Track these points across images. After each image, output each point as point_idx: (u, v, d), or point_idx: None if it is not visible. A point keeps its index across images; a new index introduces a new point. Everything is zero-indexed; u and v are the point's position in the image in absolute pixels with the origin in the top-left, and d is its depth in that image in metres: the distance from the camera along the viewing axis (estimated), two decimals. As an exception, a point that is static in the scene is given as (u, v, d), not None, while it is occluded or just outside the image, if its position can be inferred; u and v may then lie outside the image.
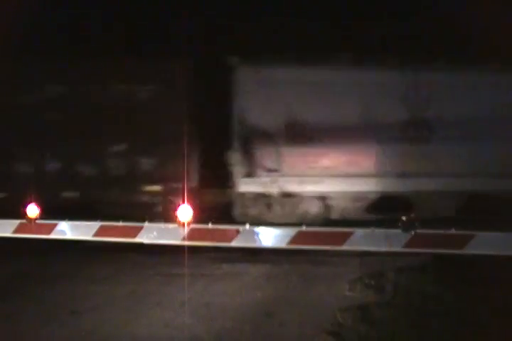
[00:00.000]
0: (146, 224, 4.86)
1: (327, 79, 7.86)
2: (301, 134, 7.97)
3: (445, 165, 7.77)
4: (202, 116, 8.03)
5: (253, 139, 7.96)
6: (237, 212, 7.83)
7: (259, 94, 7.84)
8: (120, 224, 4.88)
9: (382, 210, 7.94)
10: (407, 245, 4.32)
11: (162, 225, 4.97)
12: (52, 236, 5.02)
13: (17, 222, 5.05)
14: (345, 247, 4.49)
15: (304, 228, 4.54)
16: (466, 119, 7.73)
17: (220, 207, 7.76)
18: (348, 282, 5.61)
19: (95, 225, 4.91)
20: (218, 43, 8.62)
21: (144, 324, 4.56)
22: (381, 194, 8.00)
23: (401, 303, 4.90)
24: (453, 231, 4.27)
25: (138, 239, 4.88)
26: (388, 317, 4.54)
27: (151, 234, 4.87)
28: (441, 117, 7.85)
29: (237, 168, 7.94)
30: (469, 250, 4.21)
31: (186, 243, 4.82)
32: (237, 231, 4.63)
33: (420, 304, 4.83)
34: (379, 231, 4.42)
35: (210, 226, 4.71)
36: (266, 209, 7.93)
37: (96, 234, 4.91)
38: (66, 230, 5.01)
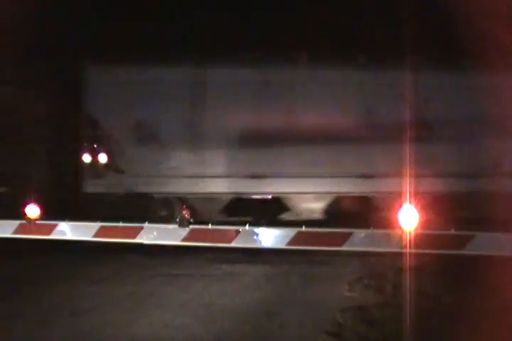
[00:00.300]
0: (146, 224, 4.86)
1: (173, 80, 7.84)
2: (147, 135, 7.97)
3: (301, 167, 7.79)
4: (53, 116, 7.97)
5: (101, 140, 7.95)
6: (84, 212, 7.59)
7: (107, 94, 7.84)
8: (120, 224, 4.89)
9: (234, 211, 7.96)
10: (407, 245, 4.32)
11: (162, 226, 4.98)
12: (52, 236, 5.02)
13: (17, 222, 5.06)
14: (344, 248, 4.50)
15: (303, 228, 4.55)
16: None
17: (68, 208, 7.55)
18: (347, 282, 5.61)
19: (95, 226, 4.91)
20: (68, 42, 8.47)
21: (143, 324, 4.55)
22: (233, 195, 7.99)
23: (401, 304, 4.90)
24: (453, 231, 4.28)
25: (138, 240, 4.89)
26: (388, 317, 4.53)
27: (150, 235, 4.88)
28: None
29: (85, 169, 7.91)
30: (469, 250, 4.22)
31: (186, 243, 4.83)
32: (237, 232, 4.64)
33: (420, 304, 4.82)
34: (378, 232, 4.43)
35: (210, 226, 4.72)
36: (112, 210, 7.77)
37: (96, 235, 4.92)
38: (66, 231, 5.01)
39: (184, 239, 4.77)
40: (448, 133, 7.77)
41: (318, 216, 7.98)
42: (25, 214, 5.00)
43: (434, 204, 7.46)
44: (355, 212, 7.76)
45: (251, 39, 8.40)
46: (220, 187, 7.99)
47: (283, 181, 7.90)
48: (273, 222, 7.09)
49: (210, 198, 8.01)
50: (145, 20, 9.13)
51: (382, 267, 5.80)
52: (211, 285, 5.70)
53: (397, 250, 4.37)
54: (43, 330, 4.41)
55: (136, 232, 4.85)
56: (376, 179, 7.72)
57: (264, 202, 8.07)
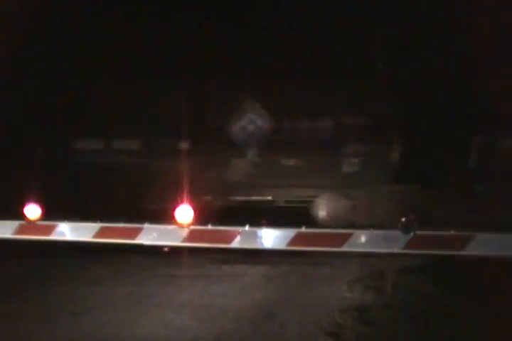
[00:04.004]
0: (146, 225, 4.87)
1: None
2: None
3: None
4: None
5: None
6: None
7: None
8: (120, 225, 4.90)
9: None
10: (407, 246, 4.33)
11: (162, 226, 4.99)
12: (52, 237, 5.03)
13: (17, 222, 5.07)
14: (344, 248, 4.51)
15: (303, 229, 4.55)
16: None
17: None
18: (347, 283, 5.61)
19: (95, 226, 4.92)
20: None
21: (143, 325, 4.56)
22: None
23: (400, 304, 4.91)
24: (452, 232, 4.29)
25: (138, 241, 4.90)
26: (387, 318, 4.54)
27: (150, 236, 4.89)
28: None
29: None
30: (469, 251, 4.23)
31: (186, 244, 4.84)
32: (237, 233, 4.65)
33: (419, 305, 4.84)
34: (378, 233, 4.44)
35: (210, 227, 4.73)
36: None
37: (96, 235, 4.92)
38: (66, 231, 5.02)
39: (184, 240, 4.78)
40: None
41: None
42: (25, 215, 5.01)
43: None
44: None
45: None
46: None
47: None
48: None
49: None
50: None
51: (381, 268, 5.81)
52: (211, 285, 5.70)
53: (397, 251, 4.39)
54: (43, 330, 4.42)
55: (136, 233, 4.86)
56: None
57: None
